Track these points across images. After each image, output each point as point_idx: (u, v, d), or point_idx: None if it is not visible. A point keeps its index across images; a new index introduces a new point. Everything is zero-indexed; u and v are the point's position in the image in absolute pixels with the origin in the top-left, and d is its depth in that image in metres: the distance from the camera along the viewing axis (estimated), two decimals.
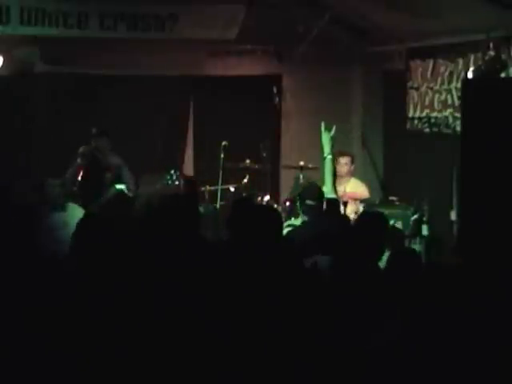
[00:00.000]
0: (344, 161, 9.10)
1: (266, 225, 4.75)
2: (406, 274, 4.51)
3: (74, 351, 3.93)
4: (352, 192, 8.98)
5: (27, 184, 9.12)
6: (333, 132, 6.94)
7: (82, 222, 4.52)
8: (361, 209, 8.74)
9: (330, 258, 5.12)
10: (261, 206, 8.10)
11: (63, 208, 7.63)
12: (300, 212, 6.67)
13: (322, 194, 6.70)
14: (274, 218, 4.89)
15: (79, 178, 8.44)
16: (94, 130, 8.71)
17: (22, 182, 9.27)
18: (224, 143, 8.97)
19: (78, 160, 8.51)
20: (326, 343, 4.11)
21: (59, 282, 4.26)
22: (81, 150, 8.57)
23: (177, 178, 8.42)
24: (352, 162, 9.22)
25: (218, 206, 8.92)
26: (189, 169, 10.46)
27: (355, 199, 8.83)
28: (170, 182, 8.38)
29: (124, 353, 3.96)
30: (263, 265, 4.46)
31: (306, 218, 6.54)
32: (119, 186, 8.39)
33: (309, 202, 6.50)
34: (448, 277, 4.25)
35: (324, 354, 4.05)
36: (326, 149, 6.89)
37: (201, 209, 6.71)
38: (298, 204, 6.74)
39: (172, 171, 8.50)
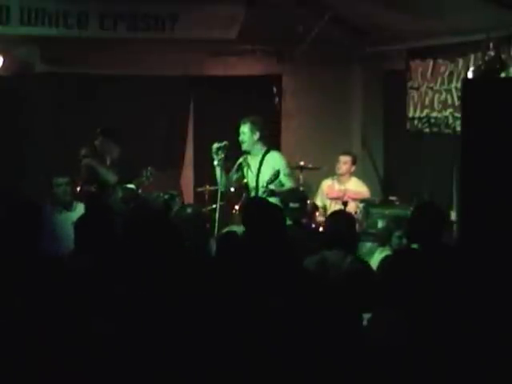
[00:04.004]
0: (344, 159, 9.13)
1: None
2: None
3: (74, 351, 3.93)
4: (355, 191, 8.99)
5: (34, 183, 9.15)
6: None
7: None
8: (361, 208, 8.73)
9: (339, 253, 5.36)
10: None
11: (71, 207, 7.63)
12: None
13: (304, 196, 6.73)
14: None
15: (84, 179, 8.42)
16: (98, 130, 8.70)
17: (27, 182, 9.31)
18: (224, 143, 8.96)
19: (82, 162, 8.52)
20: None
21: (61, 282, 4.26)
22: (83, 152, 8.55)
23: (151, 175, 8.46)
24: (353, 162, 9.23)
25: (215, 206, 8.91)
26: (189, 169, 10.46)
27: (355, 199, 8.83)
28: (145, 179, 8.43)
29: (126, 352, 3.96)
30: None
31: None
32: (129, 186, 8.37)
33: (292, 204, 6.51)
34: (448, 276, 4.25)
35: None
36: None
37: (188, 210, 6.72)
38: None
39: (149, 168, 8.54)
